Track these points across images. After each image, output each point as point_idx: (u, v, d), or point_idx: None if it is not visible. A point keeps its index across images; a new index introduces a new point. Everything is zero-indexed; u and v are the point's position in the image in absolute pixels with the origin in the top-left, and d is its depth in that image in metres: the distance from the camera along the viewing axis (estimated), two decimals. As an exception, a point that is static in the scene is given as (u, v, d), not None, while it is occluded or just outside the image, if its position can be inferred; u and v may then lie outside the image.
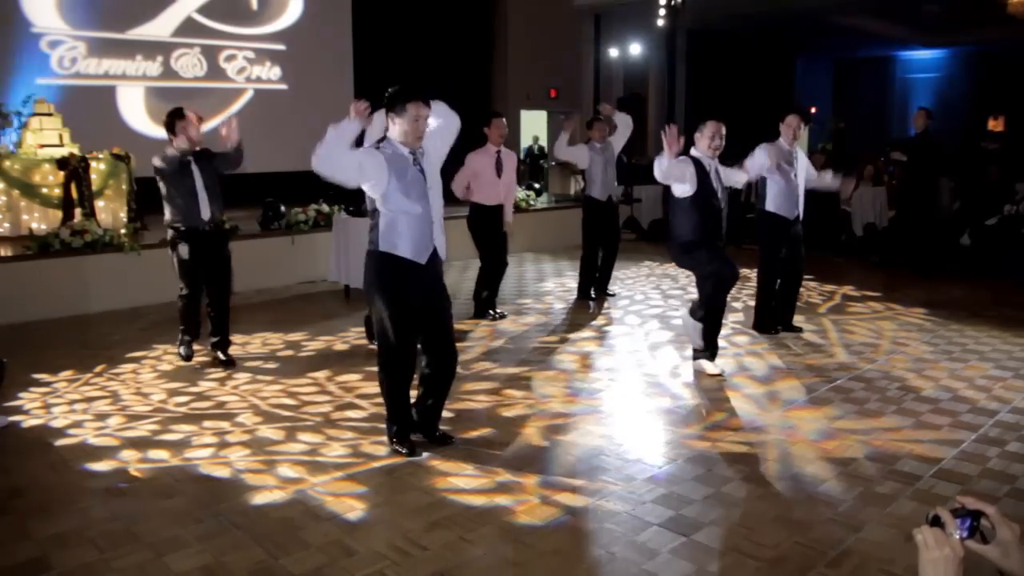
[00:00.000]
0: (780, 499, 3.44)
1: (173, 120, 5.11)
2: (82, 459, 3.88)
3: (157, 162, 5.11)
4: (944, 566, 1.32)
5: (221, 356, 5.45)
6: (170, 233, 5.22)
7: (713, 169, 5.05)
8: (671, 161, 4.75)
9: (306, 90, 12.13)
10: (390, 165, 3.65)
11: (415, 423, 4.01)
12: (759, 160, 5.77)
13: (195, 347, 5.53)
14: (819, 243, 9.25)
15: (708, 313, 5.14)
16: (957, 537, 1.35)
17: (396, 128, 3.71)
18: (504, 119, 6.69)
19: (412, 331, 3.84)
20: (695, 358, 5.28)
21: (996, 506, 1.41)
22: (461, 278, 8.50)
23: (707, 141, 5.00)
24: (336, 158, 3.61)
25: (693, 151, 5.04)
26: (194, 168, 5.11)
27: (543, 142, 16.27)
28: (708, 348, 5.21)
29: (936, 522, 1.37)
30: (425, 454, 3.88)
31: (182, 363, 5.46)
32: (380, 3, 12.80)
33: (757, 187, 6.15)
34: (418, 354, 3.93)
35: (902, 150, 9.15)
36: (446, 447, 3.96)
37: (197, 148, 5.14)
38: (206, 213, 5.16)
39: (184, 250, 5.17)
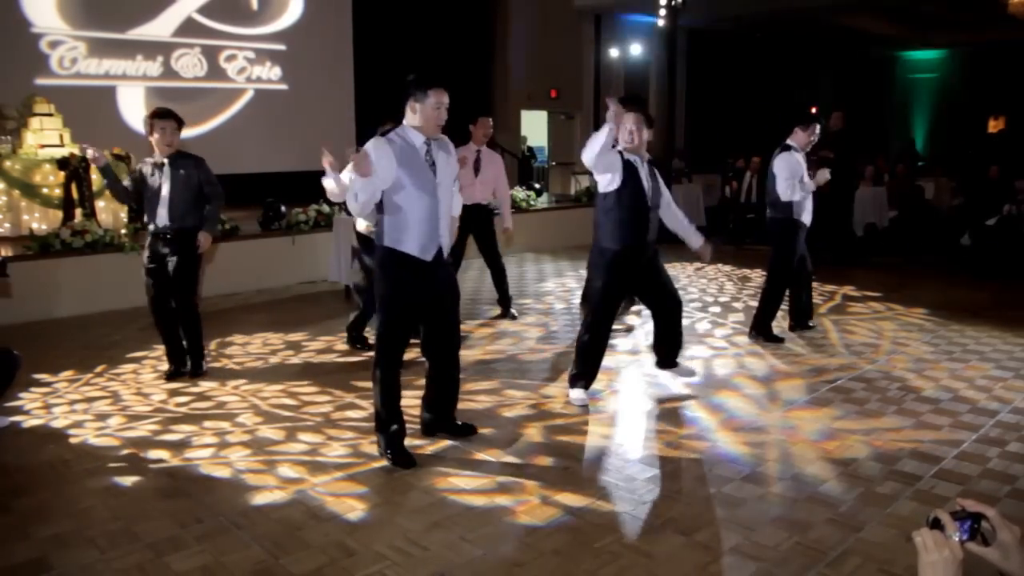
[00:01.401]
0: (780, 499, 3.44)
1: (151, 121, 4.93)
2: (82, 459, 3.89)
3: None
4: (943, 568, 1.32)
5: (189, 367, 5.20)
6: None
7: (644, 168, 4.47)
8: (605, 143, 4.09)
9: (306, 90, 12.14)
10: (399, 156, 3.58)
11: (430, 423, 4.07)
12: (799, 171, 5.78)
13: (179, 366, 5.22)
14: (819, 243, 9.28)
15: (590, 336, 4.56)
16: (956, 539, 1.35)
17: (416, 116, 3.63)
18: (490, 119, 6.71)
19: (410, 330, 3.85)
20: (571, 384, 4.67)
21: (996, 507, 1.41)
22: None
23: (624, 134, 4.39)
24: (366, 194, 3.58)
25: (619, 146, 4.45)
26: (166, 170, 4.93)
27: (538, 143, 16.28)
28: (584, 371, 4.62)
29: (936, 524, 1.37)
30: (425, 454, 3.88)
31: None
32: (380, 3, 12.79)
33: (769, 192, 6.00)
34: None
35: (829, 148, 9.49)
36: (454, 444, 3.96)
37: (172, 152, 4.94)
38: (162, 219, 4.94)
39: (144, 255, 5.06)
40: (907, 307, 7.18)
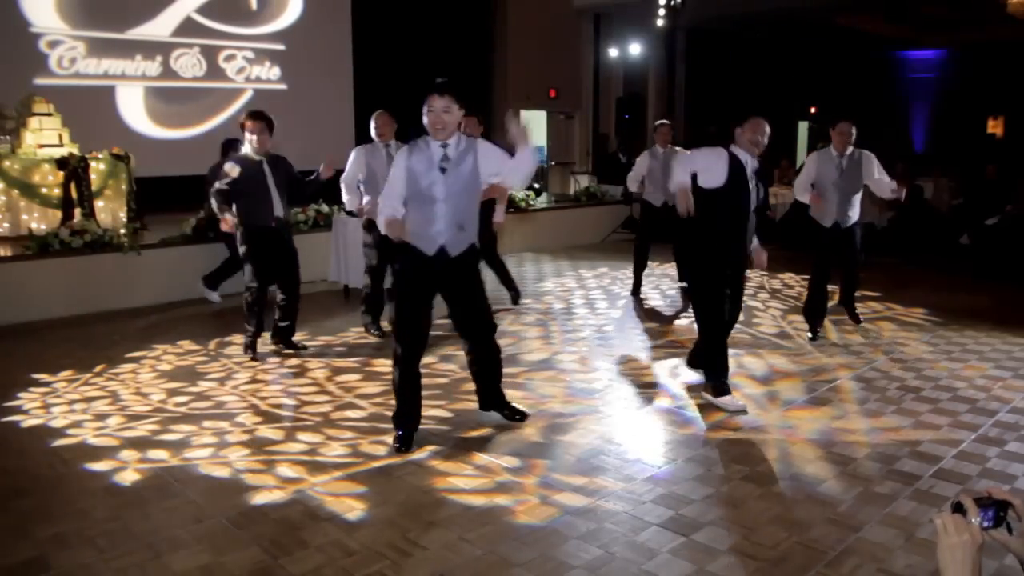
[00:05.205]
0: (780, 499, 3.44)
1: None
2: (82, 459, 3.88)
3: (229, 165, 5.37)
4: (962, 552, 1.31)
5: (284, 347, 5.74)
6: (240, 230, 5.39)
7: (751, 169, 4.46)
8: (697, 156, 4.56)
9: (306, 90, 12.12)
10: (409, 155, 3.86)
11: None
12: (813, 172, 5.91)
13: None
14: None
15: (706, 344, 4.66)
16: (977, 524, 1.34)
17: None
18: (475, 119, 6.69)
19: (422, 318, 3.97)
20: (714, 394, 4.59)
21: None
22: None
23: (748, 135, 4.45)
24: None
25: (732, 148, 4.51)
26: (266, 168, 5.45)
27: (537, 143, 16.25)
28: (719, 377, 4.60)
29: (958, 508, 1.36)
30: (425, 453, 3.89)
31: (181, 363, 5.47)
32: (380, 3, 12.79)
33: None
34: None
35: None
36: (454, 444, 3.96)
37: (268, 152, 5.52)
38: (279, 211, 5.45)
39: (252, 246, 5.40)
40: (906, 307, 7.18)
